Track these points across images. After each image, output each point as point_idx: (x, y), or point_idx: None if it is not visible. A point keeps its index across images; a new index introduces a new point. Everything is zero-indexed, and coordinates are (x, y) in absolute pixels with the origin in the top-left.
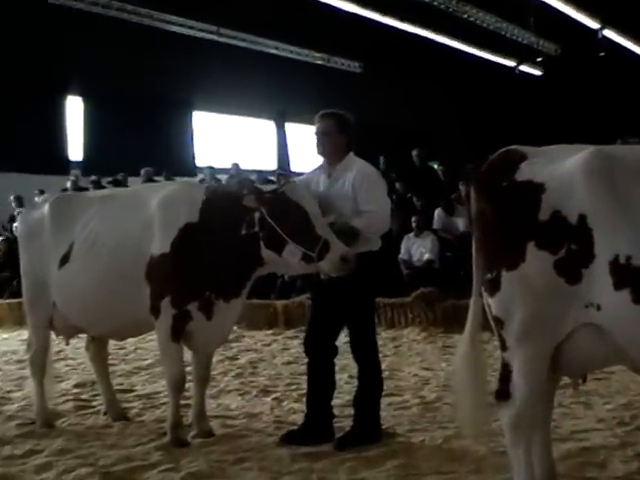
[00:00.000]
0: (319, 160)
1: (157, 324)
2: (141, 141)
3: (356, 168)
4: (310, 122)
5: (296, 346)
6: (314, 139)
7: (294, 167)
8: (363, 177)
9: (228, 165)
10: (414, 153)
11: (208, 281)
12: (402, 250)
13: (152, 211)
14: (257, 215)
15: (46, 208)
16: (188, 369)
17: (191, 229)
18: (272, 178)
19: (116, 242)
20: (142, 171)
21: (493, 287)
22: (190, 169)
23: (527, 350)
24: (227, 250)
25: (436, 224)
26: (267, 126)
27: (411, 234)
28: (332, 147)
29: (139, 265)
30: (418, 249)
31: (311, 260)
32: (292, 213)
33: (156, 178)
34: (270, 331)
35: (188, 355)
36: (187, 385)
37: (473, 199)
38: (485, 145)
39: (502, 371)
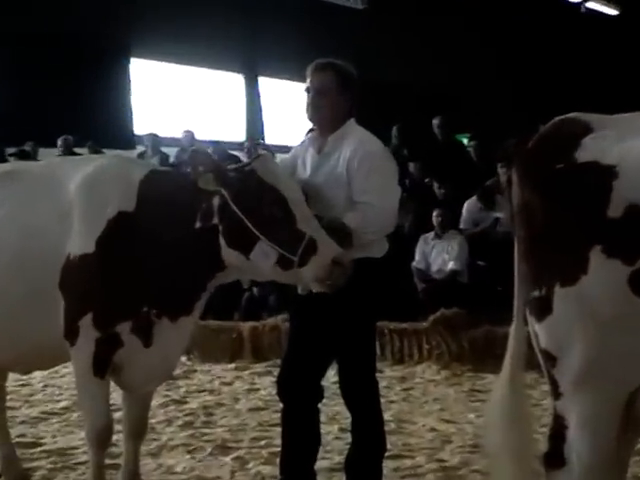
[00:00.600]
0: (306, 128)
1: (74, 352)
2: (57, 99)
3: (355, 140)
4: (292, 76)
5: (267, 386)
6: (303, 99)
7: (269, 138)
8: (363, 154)
9: (178, 134)
10: (435, 122)
11: (147, 292)
12: (417, 256)
13: (70, 195)
14: (217, 201)
15: None
16: (117, 415)
17: (125, 221)
18: (238, 153)
19: (18, 238)
20: (59, 140)
21: (542, 309)
22: (126, 138)
23: (589, 398)
24: (174, 250)
25: (465, 222)
26: (233, 81)
27: (430, 234)
28: (330, 110)
29: (50, 270)
30: (439, 255)
31: (290, 265)
32: (265, 199)
33: (78, 150)
34: (232, 364)
35: (117, 396)
36: (115, 438)
37: (516, 187)
38: (535, 112)
39: (554, 427)
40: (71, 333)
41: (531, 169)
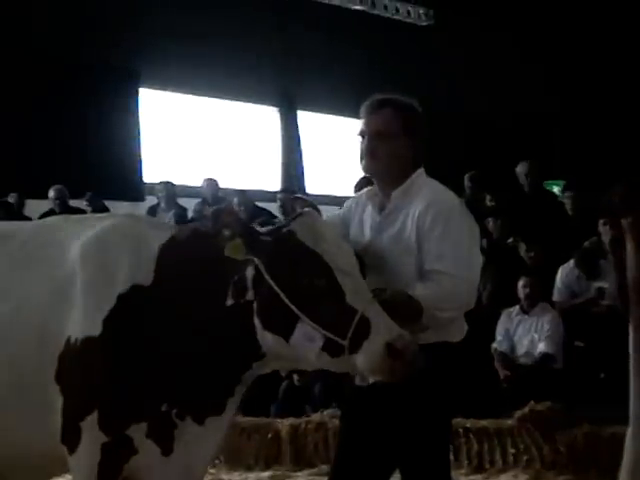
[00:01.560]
0: (357, 176)
1: (74, 461)
2: (50, 139)
3: (425, 195)
4: (339, 110)
5: None
6: (357, 145)
7: (311, 187)
8: (436, 212)
9: (198, 182)
10: (519, 170)
11: (166, 387)
12: (498, 336)
13: (72, 263)
14: (251, 272)
15: None
16: None
17: (140, 297)
18: (271, 205)
19: (4, 317)
20: (51, 191)
21: None
22: (133, 187)
23: None
24: (201, 333)
25: (560, 292)
26: (267, 116)
27: (515, 309)
28: (391, 159)
29: (45, 357)
30: (527, 335)
31: (340, 351)
32: (307, 268)
33: (73, 203)
34: (268, 472)
35: None
36: None
37: (631, 250)
38: None
39: None
40: (71, 437)
41: None
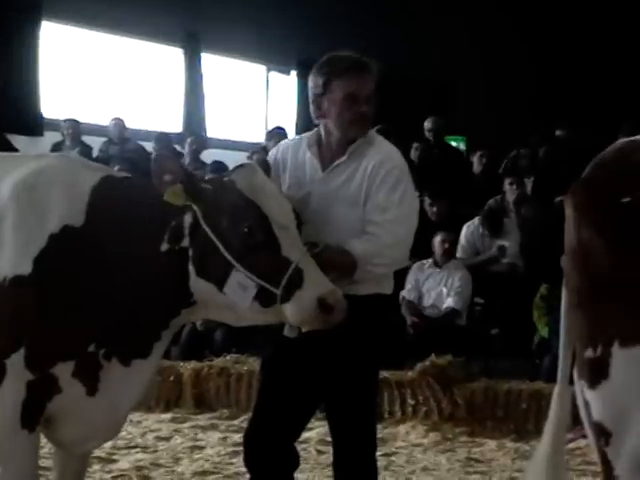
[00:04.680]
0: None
1: None
2: None
3: (380, 153)
4: (244, 55)
5: (215, 443)
6: (345, 107)
7: (212, 131)
8: (390, 169)
9: (102, 120)
10: (427, 125)
11: (94, 327)
12: (407, 285)
13: (1, 204)
14: (189, 219)
15: None
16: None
17: (71, 237)
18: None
19: None
20: None
21: (596, 373)
22: (32, 122)
23: None
24: (132, 276)
25: (463, 249)
26: (171, 57)
27: (427, 261)
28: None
29: None
30: (436, 288)
31: (272, 300)
32: (244, 218)
33: None
34: (168, 414)
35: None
36: None
37: (570, 224)
38: (554, 112)
39: None
40: None
41: (589, 204)
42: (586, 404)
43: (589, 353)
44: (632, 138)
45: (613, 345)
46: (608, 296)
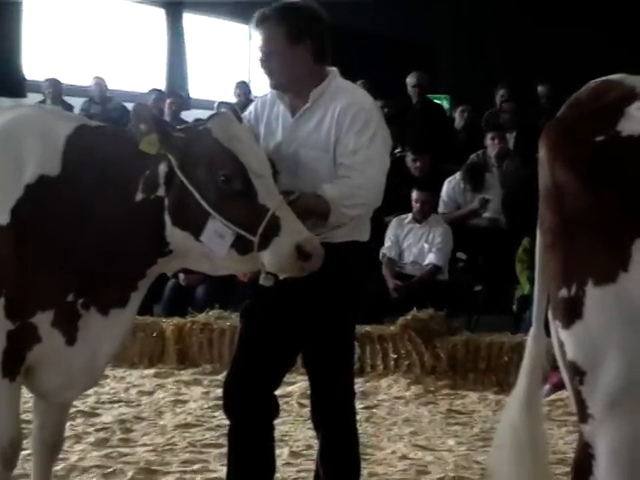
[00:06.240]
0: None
1: None
2: None
3: (346, 94)
4: (225, 15)
5: (197, 397)
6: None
7: (194, 91)
8: (358, 110)
9: (83, 80)
10: (410, 81)
11: (72, 277)
12: (387, 241)
13: None
14: (164, 169)
15: None
16: (27, 429)
17: (47, 187)
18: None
19: None
20: None
21: (570, 312)
22: (15, 83)
23: (625, 424)
24: (108, 226)
25: (444, 204)
26: (153, 17)
27: (407, 216)
28: (290, 72)
29: None
30: (417, 244)
31: (249, 248)
32: (221, 166)
33: None
34: (151, 370)
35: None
36: (23, 454)
37: (543, 164)
38: (533, 68)
39: (579, 456)
40: None
41: (563, 143)
42: (561, 344)
43: (563, 293)
44: (606, 77)
45: (587, 284)
46: (582, 235)
